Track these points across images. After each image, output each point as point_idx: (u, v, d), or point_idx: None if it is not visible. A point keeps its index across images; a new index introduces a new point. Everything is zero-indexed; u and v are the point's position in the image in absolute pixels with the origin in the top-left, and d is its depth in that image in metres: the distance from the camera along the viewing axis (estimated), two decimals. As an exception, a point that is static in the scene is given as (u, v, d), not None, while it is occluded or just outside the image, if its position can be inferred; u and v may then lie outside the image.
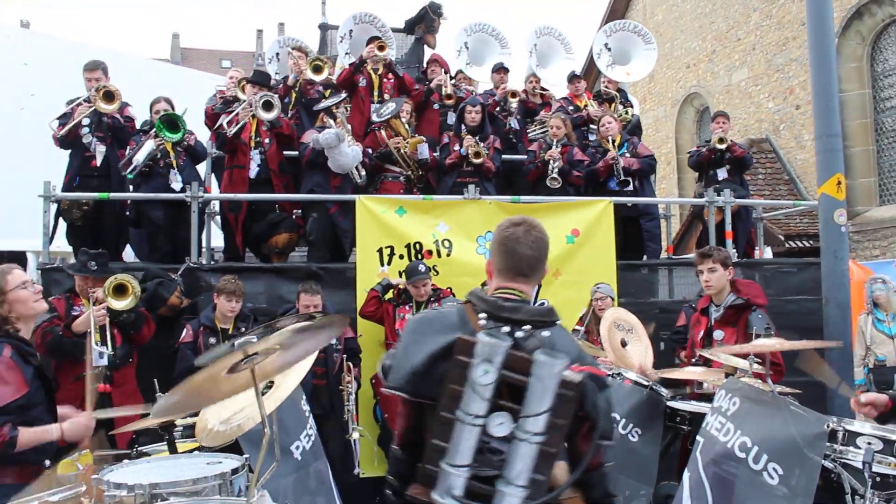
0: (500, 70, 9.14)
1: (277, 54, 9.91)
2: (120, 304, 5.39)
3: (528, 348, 2.25)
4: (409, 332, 2.43)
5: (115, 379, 5.44)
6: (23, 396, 3.25)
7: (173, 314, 6.14)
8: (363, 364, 6.25)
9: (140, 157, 6.65)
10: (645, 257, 8.04)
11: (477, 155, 7.48)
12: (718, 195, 7.75)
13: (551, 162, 7.66)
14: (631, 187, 7.91)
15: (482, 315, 2.33)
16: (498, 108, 8.77)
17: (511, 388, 2.19)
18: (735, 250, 8.29)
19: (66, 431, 3.34)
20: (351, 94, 8.19)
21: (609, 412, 2.35)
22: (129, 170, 6.68)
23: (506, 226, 2.47)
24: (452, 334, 2.26)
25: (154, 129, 6.79)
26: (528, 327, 2.30)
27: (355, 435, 5.48)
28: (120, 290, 5.44)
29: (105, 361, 5.36)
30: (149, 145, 6.69)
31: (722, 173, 8.48)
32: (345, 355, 5.73)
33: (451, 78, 9.12)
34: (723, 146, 8.39)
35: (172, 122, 6.80)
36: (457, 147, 7.63)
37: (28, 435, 3.22)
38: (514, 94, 8.91)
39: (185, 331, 5.68)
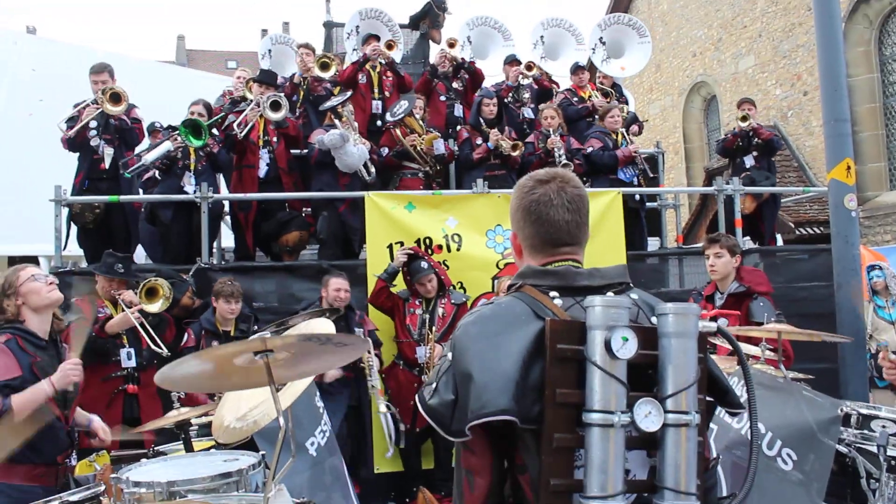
0: (513, 62, 9.10)
1: (270, 51, 9.88)
2: (153, 307, 5.50)
3: (631, 314, 1.72)
4: (473, 338, 1.71)
5: (141, 380, 5.52)
6: (15, 378, 3.29)
7: (186, 315, 6.19)
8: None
9: (150, 157, 6.68)
10: (657, 242, 8.05)
11: (514, 147, 7.57)
12: (727, 183, 7.75)
13: (556, 150, 7.67)
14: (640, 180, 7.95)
15: (553, 294, 1.77)
16: (511, 98, 8.74)
17: (630, 372, 1.63)
18: (748, 238, 8.34)
19: (55, 382, 3.35)
20: (352, 91, 8.21)
21: (722, 372, 1.90)
22: (132, 168, 6.71)
23: (530, 186, 1.91)
24: (533, 323, 1.69)
25: (178, 132, 6.81)
26: (611, 293, 1.75)
27: (382, 407, 5.53)
28: (151, 294, 5.54)
29: (133, 363, 5.46)
30: (164, 147, 6.72)
31: (749, 160, 8.55)
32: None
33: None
34: (745, 123, 8.45)
35: (197, 128, 6.81)
36: (480, 141, 7.66)
37: (20, 399, 3.25)
38: (529, 67, 8.91)
39: (186, 336, 5.74)
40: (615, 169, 7.83)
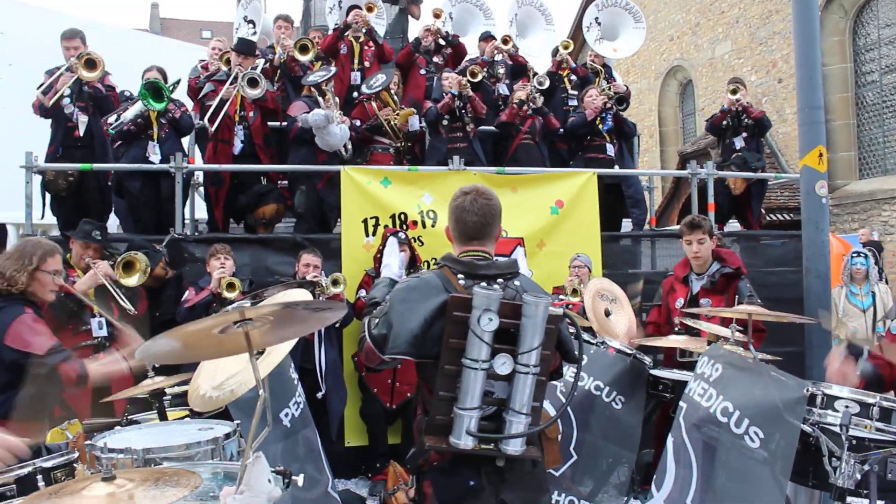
0: (488, 38, 9.08)
1: (245, 17, 9.66)
2: (131, 281, 5.47)
3: (508, 297, 2.59)
4: (399, 300, 2.64)
5: (113, 350, 5.46)
6: (58, 343, 3.39)
7: (158, 285, 6.13)
8: (345, 339, 6.32)
9: (128, 115, 6.60)
10: (630, 223, 8.10)
11: (473, 74, 7.73)
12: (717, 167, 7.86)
13: (526, 98, 7.83)
14: (614, 149, 8.06)
15: (460, 276, 2.65)
16: (486, 73, 8.69)
17: (502, 333, 2.51)
18: (741, 220, 8.47)
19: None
20: (333, 62, 8.15)
21: (570, 338, 2.81)
22: (114, 124, 6.62)
23: (457, 195, 2.81)
24: (441, 296, 2.57)
25: (138, 97, 6.71)
26: (501, 280, 2.66)
27: None
28: (128, 267, 5.50)
29: (104, 332, 5.39)
30: (137, 106, 6.63)
31: (739, 142, 8.52)
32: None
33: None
34: (735, 96, 8.39)
35: (157, 90, 6.70)
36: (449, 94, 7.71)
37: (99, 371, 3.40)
38: (506, 41, 8.92)
39: (187, 292, 5.73)
40: (592, 126, 7.97)
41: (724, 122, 8.59)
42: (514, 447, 2.55)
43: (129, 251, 5.62)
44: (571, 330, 2.75)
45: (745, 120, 8.50)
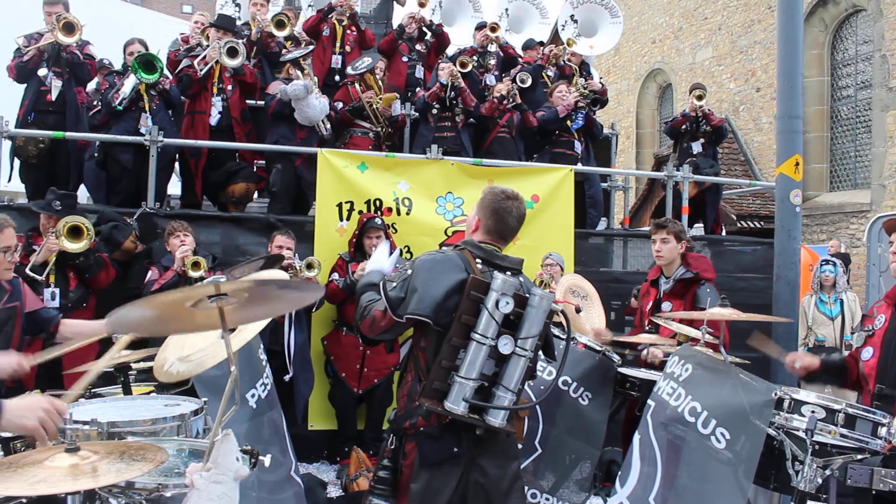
0: (482, 28, 9.06)
1: None
2: (74, 247, 5.26)
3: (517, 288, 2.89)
4: (426, 269, 2.92)
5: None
6: None
7: (127, 259, 6.04)
8: (314, 322, 6.28)
9: (126, 89, 6.52)
10: (588, 224, 8.11)
11: (463, 65, 7.78)
12: (677, 170, 7.86)
13: (507, 94, 7.87)
14: (581, 147, 8.08)
15: (478, 261, 2.97)
16: (476, 62, 8.67)
17: (506, 318, 2.83)
18: (702, 224, 8.48)
19: None
20: (314, 43, 8.07)
21: (551, 336, 3.19)
22: (118, 101, 6.52)
23: (502, 197, 3.07)
24: (461, 273, 2.89)
25: (130, 69, 6.59)
26: (509, 273, 2.93)
27: None
28: (75, 233, 5.31)
29: (56, 303, 5.24)
30: (132, 79, 6.54)
31: (697, 147, 8.53)
32: None
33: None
34: (700, 102, 8.39)
35: (149, 62, 6.60)
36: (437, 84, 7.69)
37: None
38: (494, 29, 8.87)
39: (150, 273, 5.58)
40: (562, 123, 8.00)
41: (684, 127, 8.60)
42: (497, 420, 2.83)
43: (74, 216, 5.42)
44: (555, 332, 3.03)
45: (704, 126, 8.51)
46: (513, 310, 2.81)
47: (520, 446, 3.42)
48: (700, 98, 8.42)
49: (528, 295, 2.89)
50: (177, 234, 5.62)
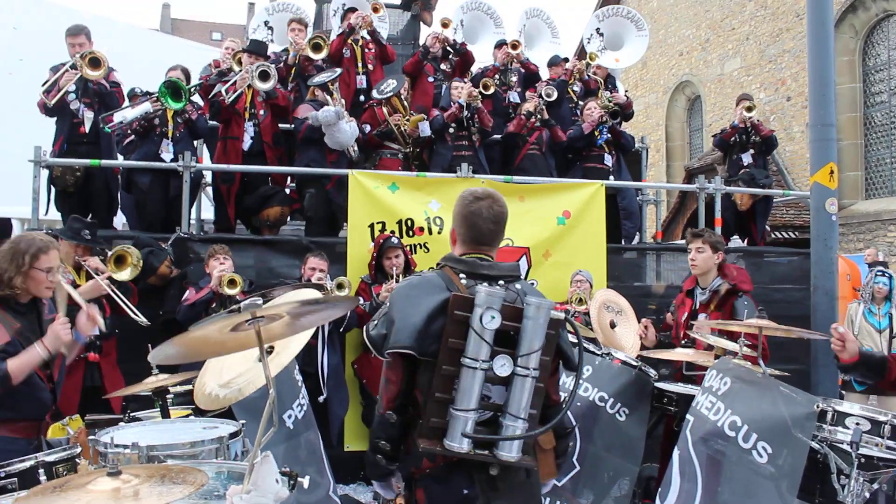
0: (502, 46, 9.05)
1: (266, 22, 9.68)
2: (122, 276, 5.39)
3: (510, 299, 2.55)
4: (402, 297, 2.62)
5: (103, 349, 5.41)
6: (8, 344, 3.30)
7: (162, 284, 6.12)
8: (346, 347, 6.30)
9: (128, 115, 6.54)
10: (623, 236, 8.07)
11: (486, 87, 7.80)
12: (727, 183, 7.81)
13: (534, 110, 7.86)
14: (612, 159, 8.05)
15: (462, 276, 2.62)
16: (497, 80, 8.69)
17: (503, 335, 2.48)
18: (748, 236, 8.44)
19: (48, 344, 3.35)
20: (340, 66, 8.13)
21: (570, 346, 2.75)
22: (111, 125, 6.59)
23: (470, 199, 2.71)
24: (443, 294, 2.53)
25: (157, 94, 6.69)
26: (501, 282, 2.62)
27: None
28: (119, 261, 5.44)
29: (96, 331, 5.32)
30: (143, 107, 6.58)
31: (747, 158, 8.53)
32: None
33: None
34: (750, 114, 8.42)
35: (177, 90, 6.67)
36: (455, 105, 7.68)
37: (15, 363, 3.26)
38: (515, 46, 8.87)
39: (188, 291, 5.68)
40: (589, 138, 8.00)
41: (734, 139, 8.59)
42: (510, 453, 2.46)
43: (121, 245, 5.53)
44: (572, 339, 2.68)
45: (754, 137, 8.52)
46: (505, 325, 2.45)
47: (557, 482, 3.08)
48: (749, 109, 8.48)
49: (521, 306, 2.50)
50: (217, 256, 5.73)
